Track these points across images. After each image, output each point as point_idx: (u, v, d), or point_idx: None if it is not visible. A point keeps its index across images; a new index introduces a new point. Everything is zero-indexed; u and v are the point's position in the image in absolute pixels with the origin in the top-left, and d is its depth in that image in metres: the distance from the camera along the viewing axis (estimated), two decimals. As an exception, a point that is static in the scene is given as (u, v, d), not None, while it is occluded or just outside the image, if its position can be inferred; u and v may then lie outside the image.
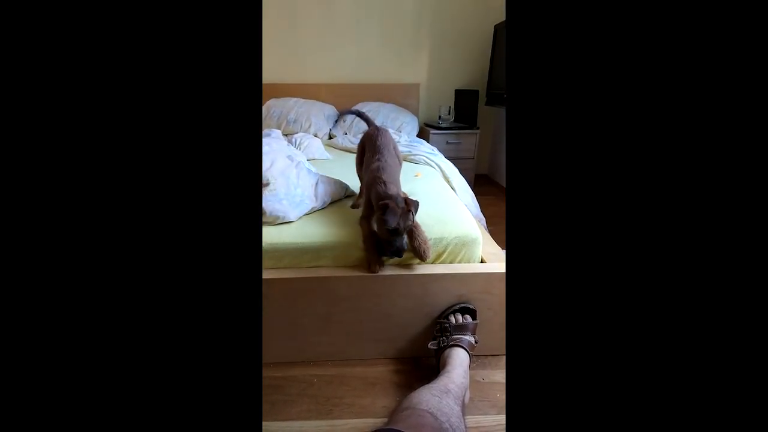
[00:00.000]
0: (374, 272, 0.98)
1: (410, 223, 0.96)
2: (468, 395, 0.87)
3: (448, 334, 0.95)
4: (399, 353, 1.06)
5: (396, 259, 0.98)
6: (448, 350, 0.92)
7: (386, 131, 1.26)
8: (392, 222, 0.92)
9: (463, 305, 1.00)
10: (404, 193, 1.03)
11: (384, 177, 1.05)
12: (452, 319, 0.98)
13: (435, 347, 0.95)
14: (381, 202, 0.96)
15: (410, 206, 0.96)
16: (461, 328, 0.95)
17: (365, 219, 1.07)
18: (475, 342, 0.95)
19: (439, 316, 1.01)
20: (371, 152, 1.17)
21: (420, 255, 0.99)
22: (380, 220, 0.95)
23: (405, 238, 0.97)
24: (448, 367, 0.86)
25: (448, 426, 0.66)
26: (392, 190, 1.01)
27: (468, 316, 0.99)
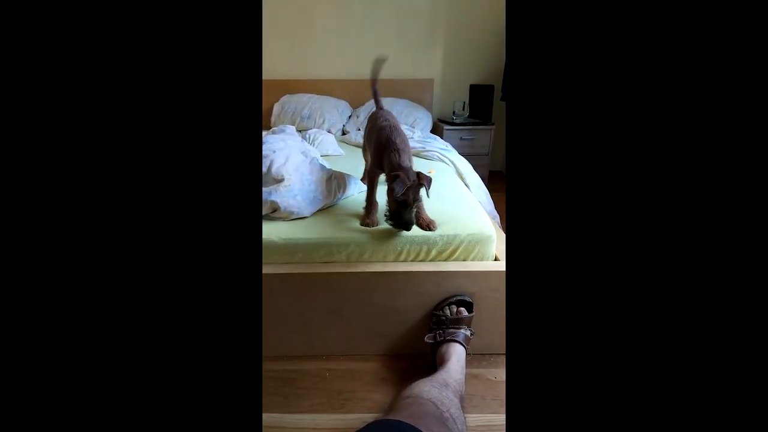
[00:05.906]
0: (367, 225, 1.04)
1: (419, 199, 0.97)
2: (464, 389, 0.88)
3: (444, 327, 0.95)
4: (410, 350, 1.06)
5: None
6: (445, 345, 0.93)
7: (390, 112, 1.26)
8: (399, 191, 0.92)
9: (459, 297, 1.00)
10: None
11: (398, 143, 1.04)
12: (447, 311, 0.98)
13: (431, 341, 0.96)
14: (393, 173, 0.96)
15: (422, 181, 0.95)
16: (457, 322, 0.95)
17: (373, 168, 1.11)
18: (471, 335, 0.95)
19: (435, 308, 1.01)
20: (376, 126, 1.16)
21: (428, 229, 1.03)
22: (390, 190, 0.96)
23: (414, 211, 0.98)
24: (447, 364, 0.87)
25: (449, 416, 0.67)
26: (405, 163, 1.01)
27: (463, 309, 0.98)
